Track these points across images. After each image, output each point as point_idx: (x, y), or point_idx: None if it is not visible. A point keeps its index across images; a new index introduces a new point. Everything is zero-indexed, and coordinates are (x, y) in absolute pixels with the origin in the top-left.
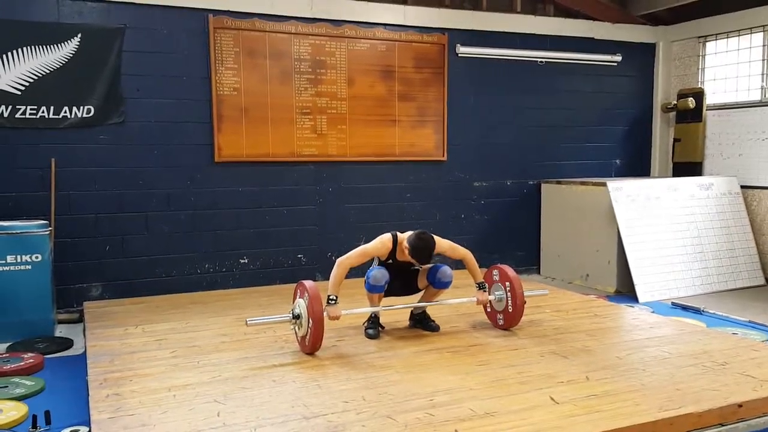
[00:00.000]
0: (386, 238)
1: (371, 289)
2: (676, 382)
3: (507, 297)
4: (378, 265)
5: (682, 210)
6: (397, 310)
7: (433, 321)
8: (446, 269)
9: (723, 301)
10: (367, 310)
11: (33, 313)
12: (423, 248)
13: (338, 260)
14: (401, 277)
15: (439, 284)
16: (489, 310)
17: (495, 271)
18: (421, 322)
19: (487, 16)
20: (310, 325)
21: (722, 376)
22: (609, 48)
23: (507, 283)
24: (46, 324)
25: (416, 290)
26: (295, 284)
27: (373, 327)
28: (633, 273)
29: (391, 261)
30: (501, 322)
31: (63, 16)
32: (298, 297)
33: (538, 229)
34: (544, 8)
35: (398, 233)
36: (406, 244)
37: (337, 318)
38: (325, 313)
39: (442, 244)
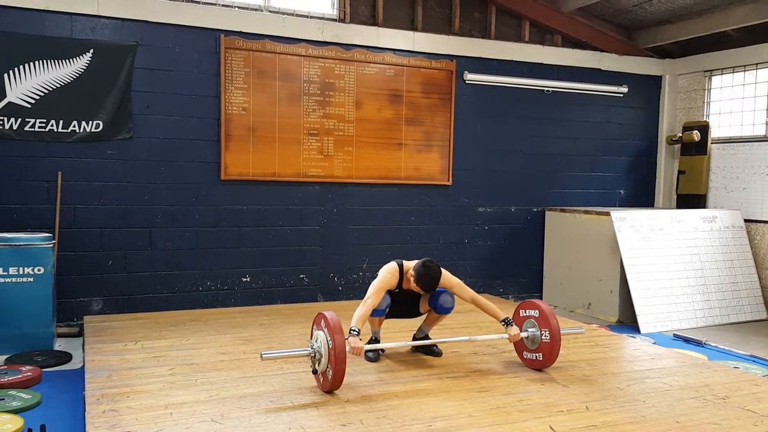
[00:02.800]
0: (393, 267)
1: (372, 312)
2: (677, 414)
3: (541, 333)
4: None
5: (686, 242)
6: (398, 333)
7: (436, 346)
8: (448, 295)
9: (725, 334)
10: (392, 345)
11: (33, 326)
12: (429, 277)
13: (363, 302)
14: (404, 301)
15: (441, 310)
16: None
17: (531, 310)
18: (423, 347)
19: (495, 45)
20: (331, 363)
21: (723, 410)
22: (615, 79)
23: (544, 328)
24: (45, 337)
25: (418, 314)
26: (296, 303)
27: (374, 351)
28: (635, 303)
29: (397, 290)
30: (538, 358)
31: (76, 32)
32: (316, 329)
33: (542, 256)
34: (552, 38)
35: (404, 261)
36: (412, 272)
37: (358, 353)
38: (347, 347)
39: (451, 280)
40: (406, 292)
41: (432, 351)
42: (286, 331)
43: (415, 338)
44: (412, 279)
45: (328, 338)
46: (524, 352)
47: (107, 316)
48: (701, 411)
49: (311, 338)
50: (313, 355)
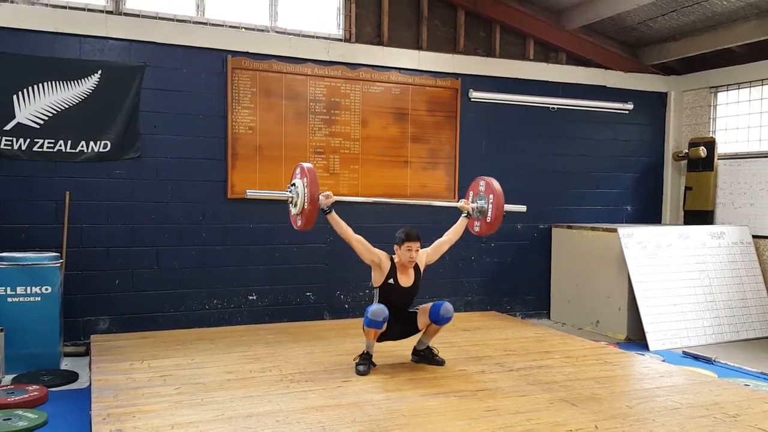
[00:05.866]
0: (385, 255)
1: (369, 324)
2: None
3: (488, 207)
4: (381, 289)
5: (694, 258)
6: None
7: (438, 355)
8: (448, 305)
9: (734, 351)
10: (362, 200)
11: (40, 345)
12: (409, 229)
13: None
14: (400, 320)
15: (442, 320)
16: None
17: (482, 183)
18: (426, 358)
19: (499, 63)
20: (305, 205)
21: (734, 428)
22: (621, 96)
23: (490, 196)
24: (52, 356)
25: (415, 331)
26: (302, 322)
27: (364, 364)
28: (644, 320)
29: (392, 281)
30: (477, 229)
31: (85, 53)
32: (297, 178)
33: (549, 273)
34: (557, 56)
35: (393, 255)
36: (396, 242)
37: (328, 200)
38: (323, 195)
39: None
40: (400, 289)
41: (435, 361)
42: (293, 350)
43: (415, 349)
44: (398, 250)
45: (305, 186)
46: (475, 223)
47: (114, 335)
48: (712, 430)
49: (289, 184)
50: (291, 198)
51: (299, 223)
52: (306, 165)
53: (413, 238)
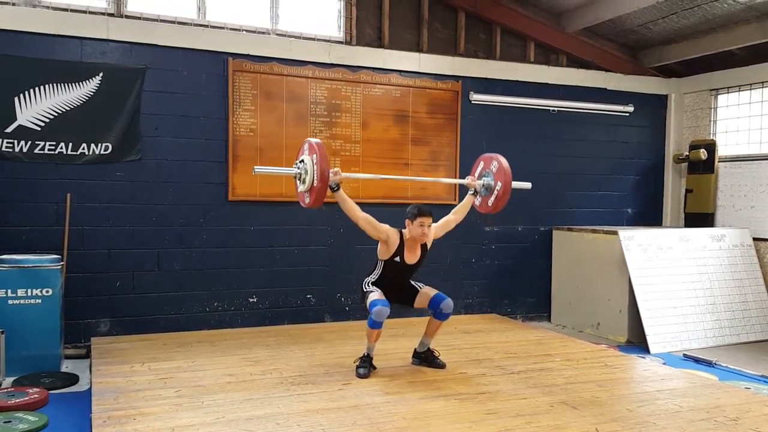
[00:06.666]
0: (393, 231)
1: (373, 324)
2: None
3: (495, 186)
4: (386, 262)
5: (694, 261)
6: (394, 352)
7: (439, 358)
8: (449, 301)
9: (735, 354)
10: (368, 177)
11: (41, 348)
12: (422, 205)
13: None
14: (399, 288)
15: (441, 315)
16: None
17: (495, 164)
18: (426, 360)
19: (500, 65)
20: (315, 182)
21: (734, 431)
22: (621, 98)
23: (494, 165)
24: (53, 359)
25: (409, 305)
26: (303, 324)
27: (365, 366)
28: (644, 323)
29: (398, 259)
30: (480, 204)
31: (86, 56)
32: (305, 154)
33: (549, 275)
34: (557, 58)
35: (402, 230)
36: (408, 217)
37: (338, 177)
38: (332, 173)
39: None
40: (405, 267)
41: (435, 363)
42: (293, 353)
43: (416, 352)
44: (409, 225)
45: (315, 162)
46: (486, 201)
47: (114, 337)
48: None
49: (297, 160)
50: (299, 174)
51: (307, 200)
52: (314, 140)
53: (426, 213)
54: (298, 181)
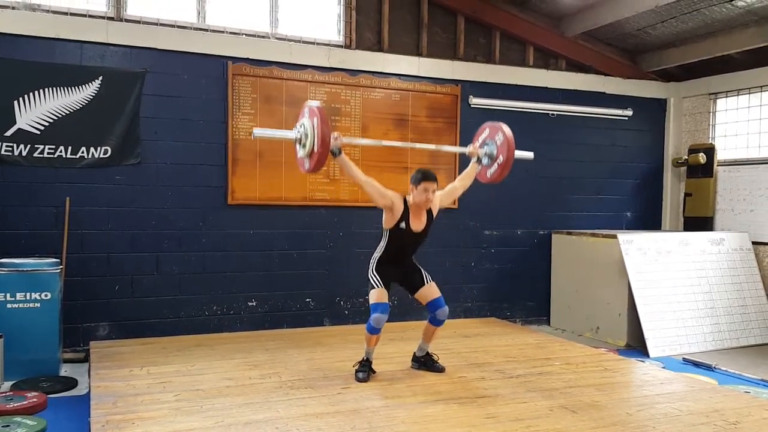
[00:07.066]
0: (397, 196)
1: (372, 330)
2: None
3: (497, 159)
4: (391, 232)
5: (694, 264)
6: (393, 356)
7: (438, 362)
8: (445, 309)
9: (735, 358)
10: (368, 143)
11: (39, 352)
12: (426, 169)
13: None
14: (404, 267)
15: (436, 320)
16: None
17: (500, 135)
18: (425, 364)
19: (499, 69)
20: (316, 147)
21: None
22: (620, 102)
23: (499, 137)
24: (51, 363)
25: (410, 291)
26: (302, 328)
27: (364, 371)
28: (644, 327)
29: (403, 226)
30: (487, 175)
31: (85, 59)
32: (305, 117)
33: (549, 279)
34: (557, 63)
35: (406, 196)
36: (413, 182)
37: (339, 142)
38: (333, 137)
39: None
40: (412, 235)
41: (435, 367)
42: (293, 357)
43: (415, 356)
44: (413, 191)
45: (315, 126)
46: (486, 171)
47: (113, 341)
48: None
49: (297, 124)
50: (299, 137)
51: (307, 166)
52: (314, 103)
53: (430, 178)
54: (298, 146)
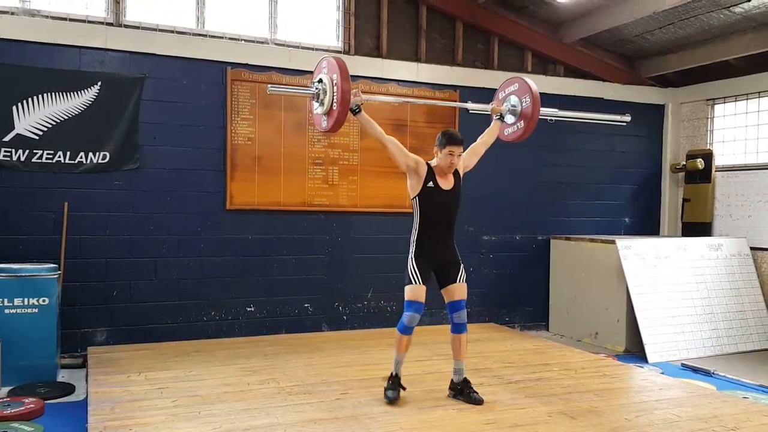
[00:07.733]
0: (421, 160)
1: (404, 330)
2: None
3: (518, 121)
4: (421, 199)
5: (692, 270)
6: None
7: (476, 392)
8: (463, 313)
9: (733, 363)
10: (388, 99)
11: (37, 357)
12: (453, 131)
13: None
14: (442, 245)
15: (453, 326)
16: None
17: (527, 98)
18: (462, 393)
19: (498, 75)
20: (335, 105)
21: None
22: (618, 108)
23: (526, 97)
24: (49, 368)
25: (441, 285)
26: (301, 333)
27: (394, 389)
28: (642, 332)
29: (432, 185)
30: (519, 126)
31: (84, 65)
32: (324, 73)
33: (547, 284)
34: (555, 68)
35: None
36: (438, 145)
37: (359, 99)
38: (352, 94)
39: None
40: (444, 193)
41: (472, 398)
42: (291, 362)
43: (452, 383)
44: (438, 154)
45: (335, 82)
46: (506, 129)
47: (111, 347)
48: None
49: (314, 80)
50: (317, 93)
51: (324, 124)
52: (333, 57)
53: (457, 141)
54: (315, 102)
